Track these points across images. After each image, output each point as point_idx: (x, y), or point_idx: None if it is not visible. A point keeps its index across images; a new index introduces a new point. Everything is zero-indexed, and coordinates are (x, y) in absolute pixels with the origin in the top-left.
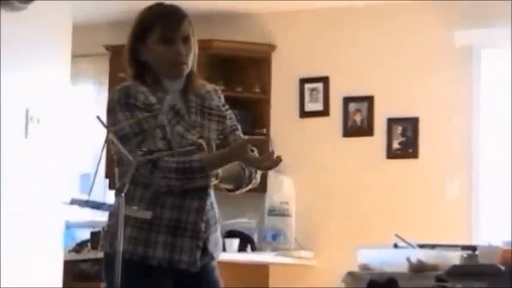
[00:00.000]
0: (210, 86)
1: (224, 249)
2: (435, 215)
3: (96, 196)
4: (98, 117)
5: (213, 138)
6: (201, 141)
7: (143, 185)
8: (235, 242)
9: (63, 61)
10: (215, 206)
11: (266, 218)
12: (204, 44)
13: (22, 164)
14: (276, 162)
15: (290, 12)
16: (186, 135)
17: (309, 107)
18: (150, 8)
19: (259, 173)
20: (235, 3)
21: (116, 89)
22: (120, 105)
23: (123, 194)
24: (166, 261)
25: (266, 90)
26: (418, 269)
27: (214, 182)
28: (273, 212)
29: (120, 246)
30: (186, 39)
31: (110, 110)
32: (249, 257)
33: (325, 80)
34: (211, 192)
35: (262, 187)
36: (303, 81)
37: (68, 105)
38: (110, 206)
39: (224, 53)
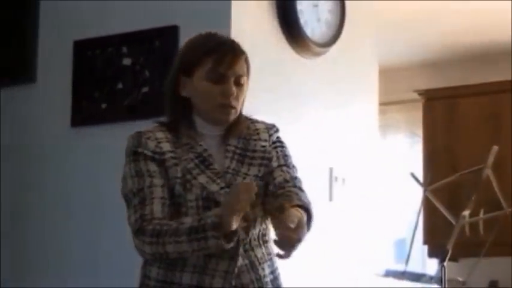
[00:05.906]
0: (261, 125)
1: None
2: None
3: (414, 266)
4: (413, 174)
5: None
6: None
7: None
8: None
9: (369, 111)
10: (261, 265)
11: None
12: None
13: (327, 231)
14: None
15: None
16: (209, 186)
17: None
18: (202, 38)
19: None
20: None
21: (129, 136)
22: (128, 156)
23: (445, 263)
24: None
25: None
26: None
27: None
28: None
29: None
30: (238, 80)
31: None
32: None
33: None
34: (258, 248)
35: None
36: None
37: (377, 161)
38: (431, 277)
39: None
